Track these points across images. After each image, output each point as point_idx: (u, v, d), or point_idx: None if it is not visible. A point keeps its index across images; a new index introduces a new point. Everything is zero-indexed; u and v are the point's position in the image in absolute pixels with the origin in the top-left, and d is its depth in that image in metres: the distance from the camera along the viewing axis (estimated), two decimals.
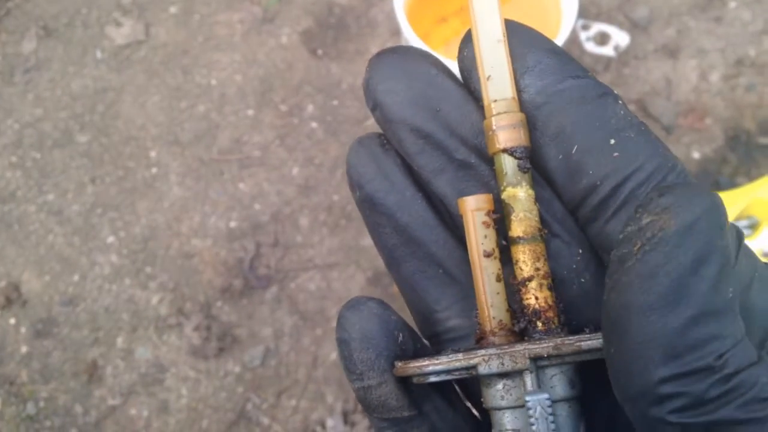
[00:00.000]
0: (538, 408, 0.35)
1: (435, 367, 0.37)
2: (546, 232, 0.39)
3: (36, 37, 2.06)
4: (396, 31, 2.00)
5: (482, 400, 0.39)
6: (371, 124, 1.93)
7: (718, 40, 2.00)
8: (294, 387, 1.72)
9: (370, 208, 0.42)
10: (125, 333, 1.77)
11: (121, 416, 1.69)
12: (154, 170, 1.91)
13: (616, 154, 0.36)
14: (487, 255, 0.39)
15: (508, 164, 0.38)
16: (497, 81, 0.38)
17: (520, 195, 0.38)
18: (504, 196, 0.39)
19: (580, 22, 1.99)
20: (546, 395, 0.35)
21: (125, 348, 1.75)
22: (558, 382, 0.37)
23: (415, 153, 0.40)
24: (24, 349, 1.76)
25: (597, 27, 1.98)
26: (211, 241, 1.83)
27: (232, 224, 1.85)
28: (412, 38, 1.54)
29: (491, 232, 0.39)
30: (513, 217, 0.38)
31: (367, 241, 1.81)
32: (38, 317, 1.78)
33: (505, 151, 0.38)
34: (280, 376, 1.73)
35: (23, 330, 1.78)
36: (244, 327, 1.76)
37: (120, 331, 1.77)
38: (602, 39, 1.99)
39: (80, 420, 1.68)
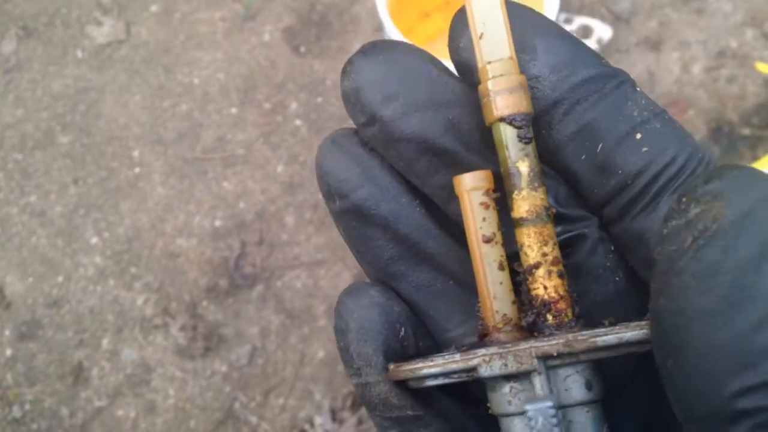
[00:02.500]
0: (540, 419, 0.30)
1: (430, 369, 0.33)
2: (554, 211, 0.34)
3: (16, 38, 2.04)
4: (379, 27, 1.99)
5: (488, 405, 0.34)
6: None
7: (700, 32, 2.01)
8: (281, 385, 1.72)
9: (357, 219, 0.36)
10: (110, 334, 1.76)
11: (108, 417, 1.68)
12: (137, 170, 1.89)
13: (645, 148, 0.32)
14: (487, 240, 0.34)
15: (507, 134, 0.33)
16: (492, 38, 0.33)
17: (522, 169, 0.33)
18: (504, 171, 0.34)
19: (563, 15, 1.99)
20: (549, 403, 0.30)
21: (111, 349, 1.75)
22: (573, 384, 0.32)
23: (427, 174, 0.35)
24: (8, 351, 1.75)
25: (579, 20, 1.98)
26: (196, 240, 1.83)
27: (217, 223, 1.84)
28: (394, 35, 1.54)
29: (491, 214, 0.34)
30: (515, 196, 0.33)
31: None
32: (22, 319, 1.77)
33: (502, 119, 0.33)
34: (267, 375, 1.72)
35: (7, 333, 1.76)
36: (230, 326, 1.76)
37: (105, 333, 1.76)
38: (585, 32, 1.99)
39: (67, 422, 1.68)
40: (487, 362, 0.32)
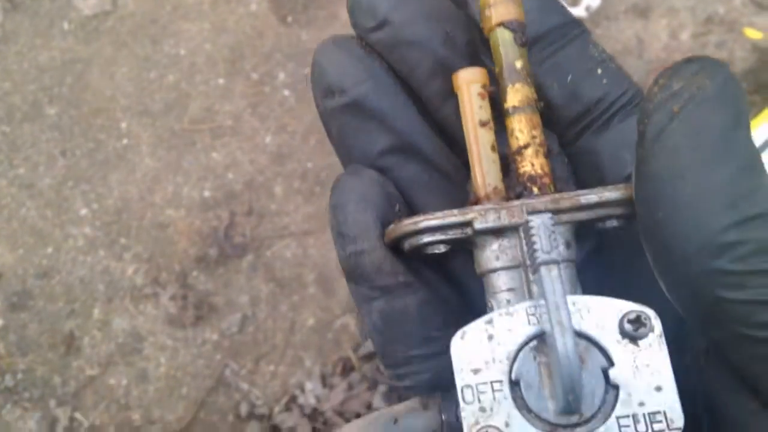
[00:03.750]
0: (540, 222, 0.34)
1: (429, 222, 0.36)
2: (542, 104, 0.39)
3: (2, 10, 2.03)
4: None
5: (475, 266, 0.38)
6: None
7: None
8: (272, 353, 1.73)
9: (354, 114, 0.39)
10: (101, 304, 1.77)
11: (100, 386, 1.70)
12: (125, 141, 1.90)
13: (605, 80, 0.39)
14: (483, 124, 0.38)
15: (504, 38, 0.38)
16: None
17: (517, 65, 0.38)
18: (499, 71, 0.39)
19: None
20: (549, 214, 0.35)
21: (102, 319, 1.76)
22: None
23: (428, 78, 0.40)
24: (0, 322, 1.76)
25: None
26: (185, 211, 1.83)
27: (206, 194, 1.84)
28: None
29: (486, 104, 0.39)
30: (509, 89, 0.38)
31: None
32: (13, 290, 1.78)
33: (500, 24, 0.38)
34: (257, 343, 1.74)
35: None
36: (220, 295, 1.77)
37: (96, 302, 1.77)
38: (574, 0, 1.98)
39: (59, 390, 1.69)
40: (482, 215, 0.36)
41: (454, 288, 0.42)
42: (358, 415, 1.64)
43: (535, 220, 0.35)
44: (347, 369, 1.69)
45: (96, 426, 1.64)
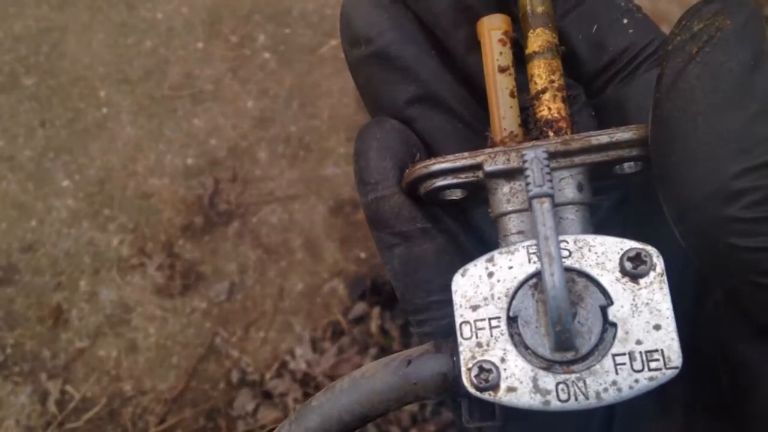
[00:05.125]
0: (533, 156, 0.34)
1: (441, 165, 0.37)
2: (564, 48, 0.39)
3: None
4: None
5: (489, 211, 0.38)
6: (326, 51, 1.88)
7: None
8: (261, 319, 1.73)
9: (380, 63, 0.40)
10: (88, 276, 1.76)
11: (90, 358, 1.70)
12: (104, 110, 1.86)
13: (631, 30, 0.39)
14: (502, 70, 0.39)
15: None
16: None
17: (538, 10, 0.38)
18: (523, 15, 0.39)
19: None
20: (543, 148, 0.35)
21: (89, 291, 1.75)
22: (566, 186, 0.37)
23: (453, 26, 0.40)
24: None
25: None
26: (169, 179, 1.81)
27: (189, 161, 1.82)
28: None
29: (507, 50, 0.39)
30: (530, 34, 0.38)
31: (328, 170, 1.79)
32: None
33: None
34: (247, 310, 1.73)
35: None
36: (207, 263, 1.76)
37: (82, 274, 1.76)
38: None
39: (49, 364, 1.69)
40: (492, 158, 0.36)
41: (475, 237, 0.42)
42: None
43: (529, 154, 0.34)
44: (337, 333, 1.70)
45: (88, 398, 1.65)
